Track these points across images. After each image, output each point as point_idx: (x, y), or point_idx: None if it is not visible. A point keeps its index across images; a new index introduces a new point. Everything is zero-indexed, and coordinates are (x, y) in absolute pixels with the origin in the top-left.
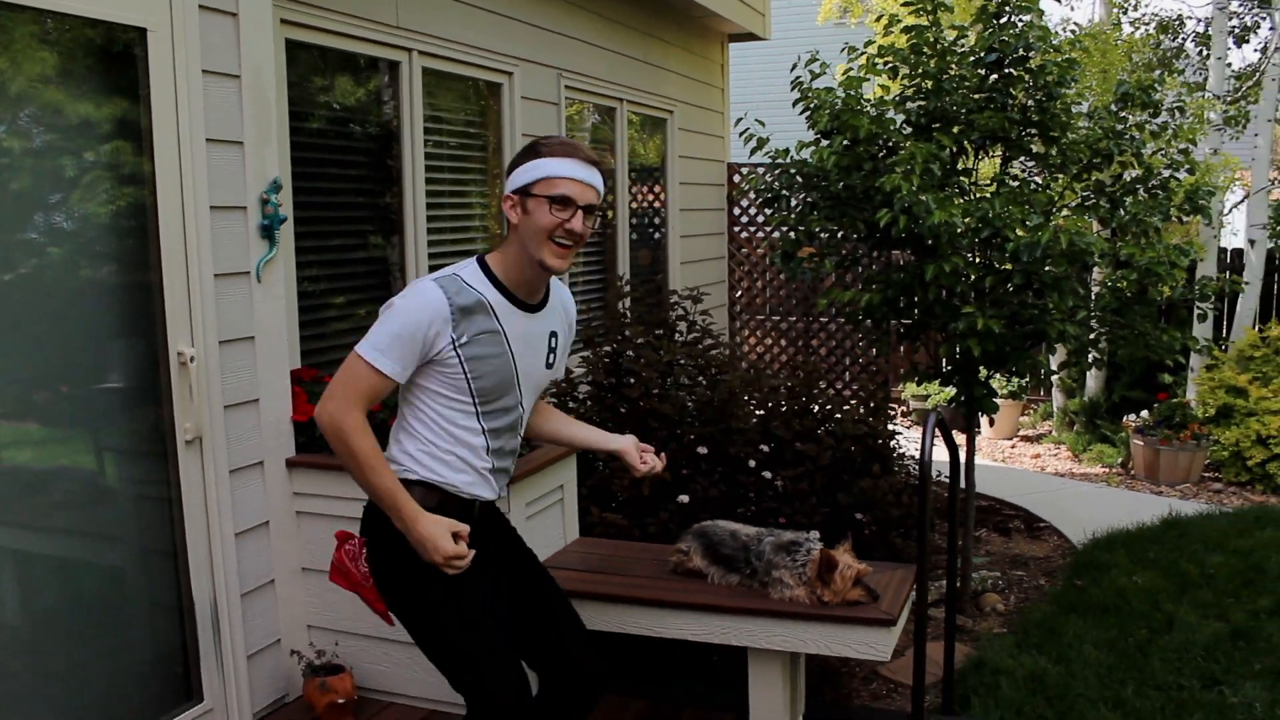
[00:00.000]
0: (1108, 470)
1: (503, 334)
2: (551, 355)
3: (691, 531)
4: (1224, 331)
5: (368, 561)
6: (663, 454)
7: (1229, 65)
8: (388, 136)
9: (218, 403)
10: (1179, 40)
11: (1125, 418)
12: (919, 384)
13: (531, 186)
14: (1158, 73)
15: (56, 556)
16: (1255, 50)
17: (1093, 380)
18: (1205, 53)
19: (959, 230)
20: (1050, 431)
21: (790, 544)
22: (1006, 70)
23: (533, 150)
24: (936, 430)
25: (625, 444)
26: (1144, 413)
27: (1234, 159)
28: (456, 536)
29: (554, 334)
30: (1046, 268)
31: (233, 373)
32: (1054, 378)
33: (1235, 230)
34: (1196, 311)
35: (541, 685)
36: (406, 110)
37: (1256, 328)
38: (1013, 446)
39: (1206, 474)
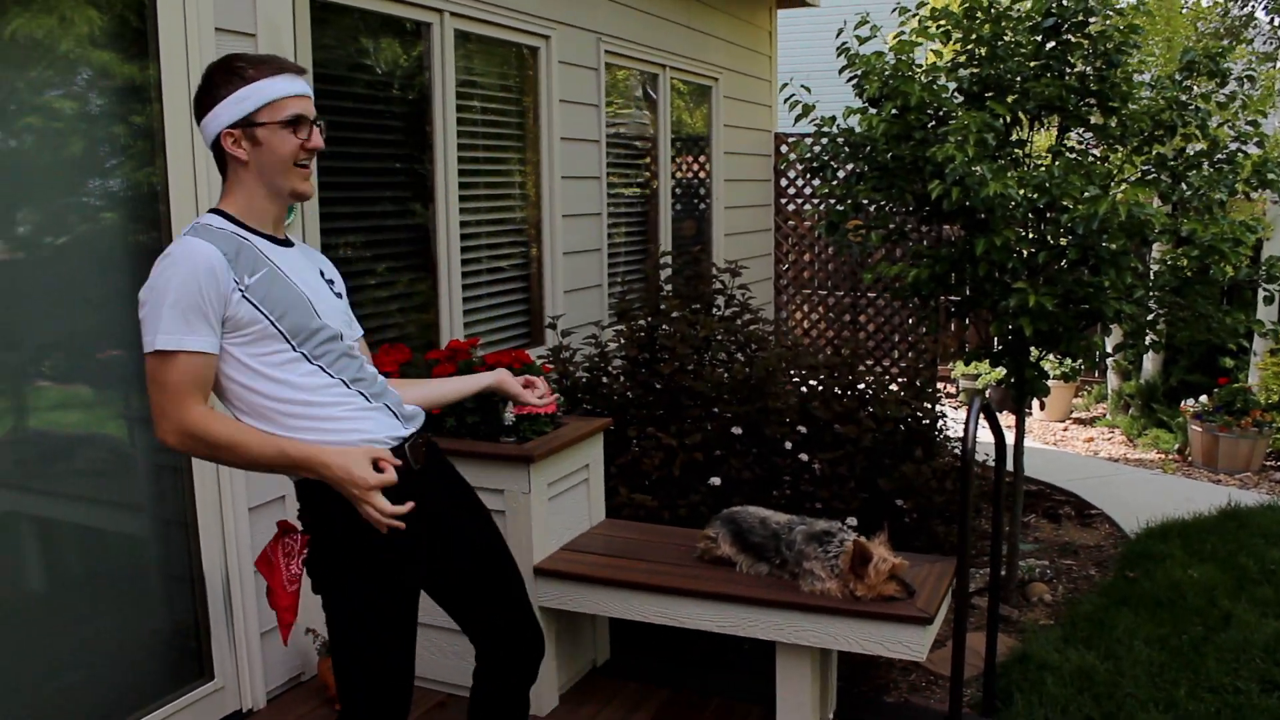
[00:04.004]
0: (1163, 456)
1: (274, 265)
2: (332, 287)
3: (720, 517)
4: None
5: (307, 555)
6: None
7: None
8: (418, 101)
9: None
10: (1248, 7)
11: (1183, 402)
12: (968, 364)
13: (255, 115)
14: (1226, 42)
15: (74, 523)
16: None
17: (1150, 363)
18: (1277, 21)
19: (1014, 203)
20: (1104, 415)
21: (823, 534)
22: (1064, 37)
23: (234, 75)
24: (982, 415)
25: (497, 376)
26: (1203, 397)
27: (1270, 136)
28: (377, 465)
29: (321, 270)
30: (1104, 242)
31: None
32: (1109, 360)
33: None
34: (1262, 294)
35: (481, 654)
36: (438, 74)
37: None
38: (1065, 429)
39: (1268, 462)
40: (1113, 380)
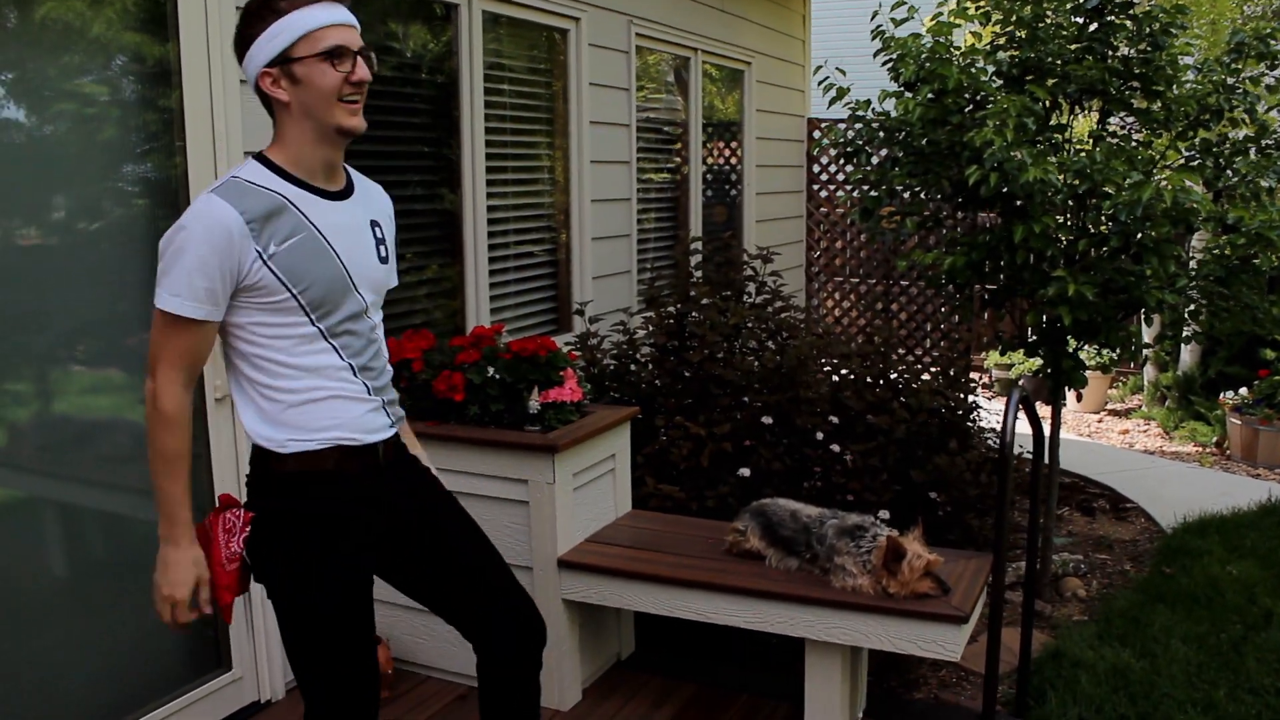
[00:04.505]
0: (1201, 449)
1: (315, 230)
2: (381, 247)
3: (749, 510)
4: None
5: (247, 539)
6: None
7: None
8: (446, 84)
9: None
10: None
11: (1222, 395)
12: (1004, 354)
13: (291, 50)
14: (1276, 24)
15: (93, 509)
16: None
17: (1187, 354)
18: None
19: (1054, 189)
20: (1140, 406)
21: (855, 528)
22: (1107, 18)
23: (266, 10)
24: (1020, 408)
25: None
26: (1243, 390)
27: None
28: (198, 588)
29: (375, 223)
30: (1147, 230)
31: None
32: (1146, 350)
33: None
34: None
35: (480, 650)
36: (465, 57)
37: None
38: (1099, 421)
39: None
40: (1149, 371)
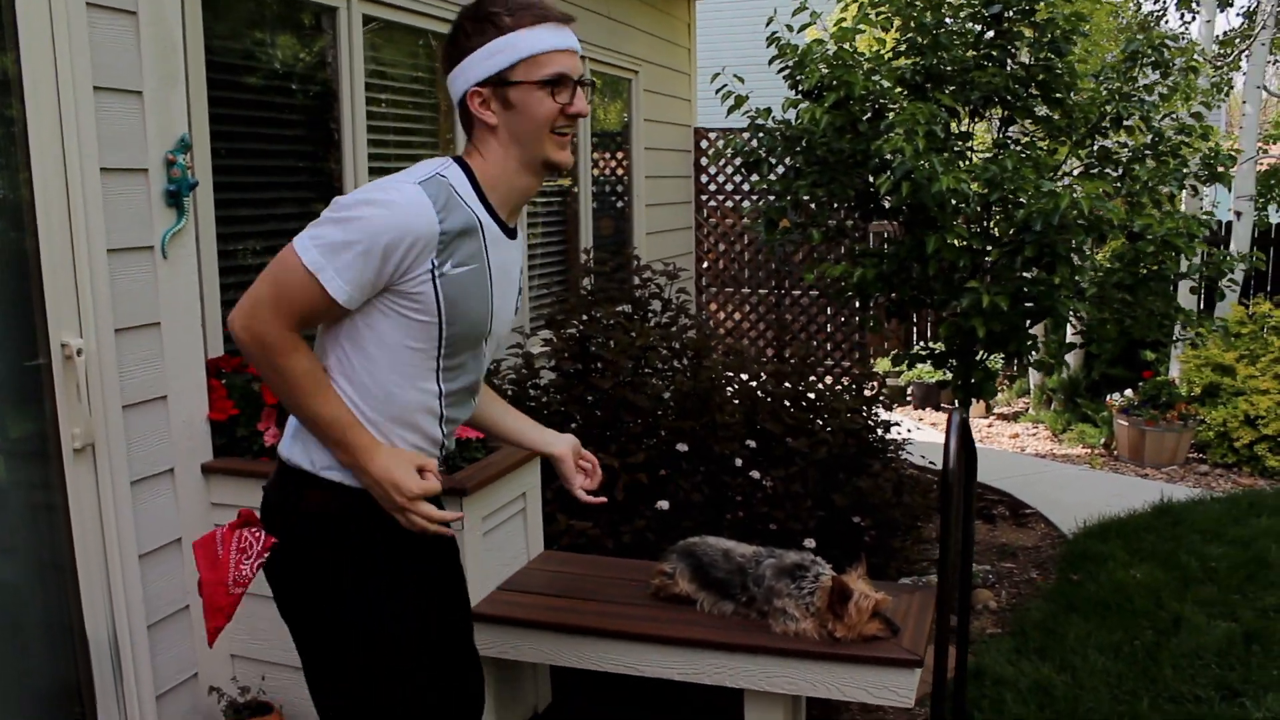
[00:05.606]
0: (1090, 451)
1: (487, 264)
2: (518, 299)
3: (677, 550)
4: (1199, 305)
5: (270, 569)
6: (598, 475)
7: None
8: (325, 93)
9: (114, 403)
10: (1160, 4)
11: (1109, 397)
12: (911, 366)
13: (509, 73)
14: (1140, 36)
15: None
16: (1239, 15)
17: (1071, 357)
18: (1187, 17)
19: (965, 198)
20: (1027, 409)
21: (795, 568)
22: (1005, 26)
23: (487, 23)
24: (955, 430)
25: (563, 449)
26: (1128, 391)
27: (1214, 129)
28: (423, 472)
29: (521, 270)
30: (1062, 238)
31: (133, 366)
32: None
33: (1216, 203)
34: (1189, 285)
35: None
36: (345, 64)
37: (1243, 303)
38: (989, 425)
39: (1192, 455)
40: (1034, 374)
